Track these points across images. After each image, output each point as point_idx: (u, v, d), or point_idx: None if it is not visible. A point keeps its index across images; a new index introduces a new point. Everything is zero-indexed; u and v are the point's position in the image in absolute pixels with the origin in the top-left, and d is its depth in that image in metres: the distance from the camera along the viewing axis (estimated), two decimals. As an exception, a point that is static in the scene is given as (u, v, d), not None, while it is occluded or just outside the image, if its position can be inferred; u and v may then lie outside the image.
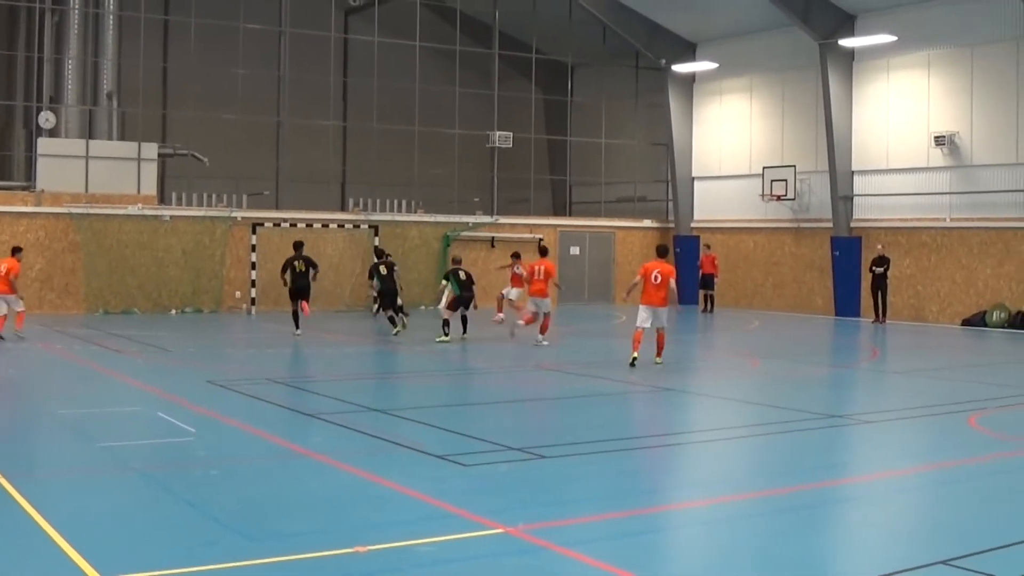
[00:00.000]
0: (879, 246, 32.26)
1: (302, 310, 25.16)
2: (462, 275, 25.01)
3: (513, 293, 26.17)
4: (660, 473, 11.72)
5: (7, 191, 31.42)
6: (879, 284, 31.81)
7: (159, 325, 27.44)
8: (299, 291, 25.18)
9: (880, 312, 31.76)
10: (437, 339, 24.34)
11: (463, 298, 24.92)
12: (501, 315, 25.43)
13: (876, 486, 11.10)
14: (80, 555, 7.79)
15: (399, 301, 26.18)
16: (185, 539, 8.42)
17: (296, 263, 25.19)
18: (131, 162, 32.07)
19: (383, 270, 26.00)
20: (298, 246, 25.88)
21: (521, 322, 24.42)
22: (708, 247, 37.10)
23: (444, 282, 25.38)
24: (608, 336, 27.78)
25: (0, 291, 22.95)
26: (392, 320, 25.86)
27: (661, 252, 21.00)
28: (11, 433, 13.40)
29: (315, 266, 25.53)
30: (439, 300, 25.69)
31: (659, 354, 20.19)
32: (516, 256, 26.80)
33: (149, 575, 7.41)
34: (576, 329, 29.35)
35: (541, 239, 33.92)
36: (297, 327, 25.12)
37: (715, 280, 36.36)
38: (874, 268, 31.90)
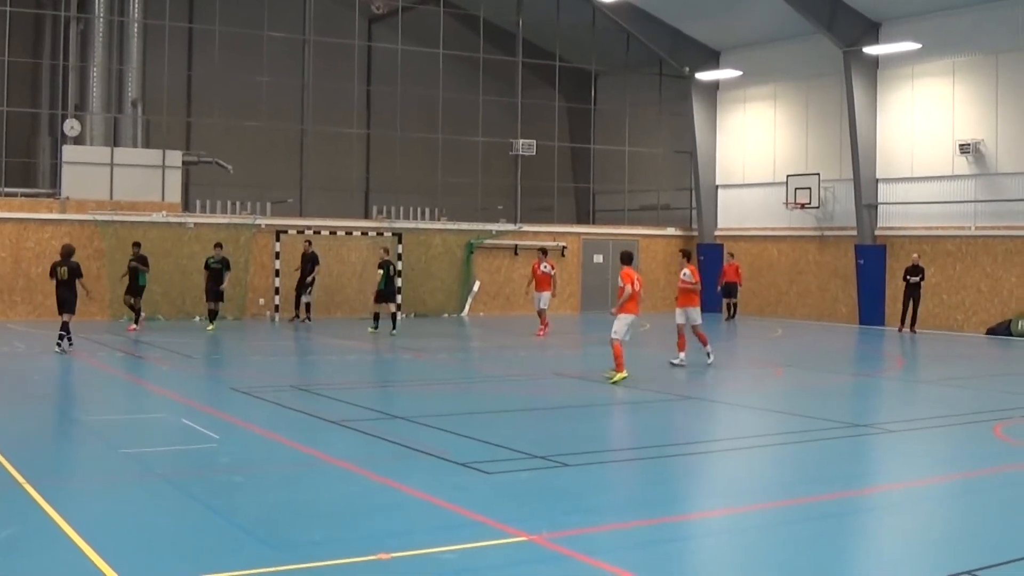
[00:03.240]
0: (914, 255, 31.85)
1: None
2: (391, 270, 27.55)
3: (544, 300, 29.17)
4: (683, 482, 11.69)
5: (32, 198, 31.59)
6: (912, 293, 31.39)
7: (183, 332, 27.53)
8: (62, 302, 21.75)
9: (910, 321, 31.42)
10: (369, 330, 27.52)
11: (388, 292, 27.43)
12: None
13: (900, 495, 11.04)
14: (104, 561, 7.82)
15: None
16: (208, 546, 8.45)
17: (60, 269, 21.87)
18: (155, 170, 32.23)
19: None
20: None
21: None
22: (732, 255, 36.96)
23: (380, 271, 27.39)
24: (631, 344, 27.63)
25: None
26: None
27: (627, 259, 20.13)
28: (36, 439, 13.44)
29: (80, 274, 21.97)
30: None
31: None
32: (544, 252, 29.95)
33: (172, 581, 7.43)
34: (598, 337, 29.26)
35: (564, 247, 33.89)
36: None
37: (738, 288, 36.28)
38: (908, 277, 31.44)
